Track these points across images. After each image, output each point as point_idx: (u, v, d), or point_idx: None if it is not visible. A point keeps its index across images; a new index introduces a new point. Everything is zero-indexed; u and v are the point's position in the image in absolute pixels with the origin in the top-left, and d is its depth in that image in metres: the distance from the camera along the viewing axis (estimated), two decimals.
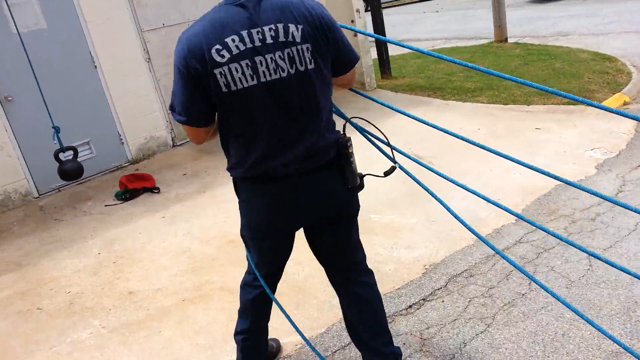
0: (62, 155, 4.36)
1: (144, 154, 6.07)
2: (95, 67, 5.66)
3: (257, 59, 1.67)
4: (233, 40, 1.65)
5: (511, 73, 7.63)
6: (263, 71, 1.68)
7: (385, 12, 25.10)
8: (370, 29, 7.85)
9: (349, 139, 1.98)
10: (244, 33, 1.66)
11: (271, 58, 1.67)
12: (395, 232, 3.70)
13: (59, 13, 5.40)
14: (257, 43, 1.66)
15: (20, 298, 3.54)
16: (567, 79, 6.85)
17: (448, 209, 2.27)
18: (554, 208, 3.69)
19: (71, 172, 4.42)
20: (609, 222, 3.37)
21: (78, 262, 3.95)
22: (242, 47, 1.65)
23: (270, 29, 1.67)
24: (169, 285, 3.41)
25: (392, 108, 2.51)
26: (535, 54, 8.91)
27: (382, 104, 2.51)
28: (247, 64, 1.66)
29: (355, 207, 2.15)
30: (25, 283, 3.76)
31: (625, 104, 5.78)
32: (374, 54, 8.70)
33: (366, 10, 7.91)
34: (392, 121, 6.01)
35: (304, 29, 1.70)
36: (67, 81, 5.49)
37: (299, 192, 1.88)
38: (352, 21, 7.31)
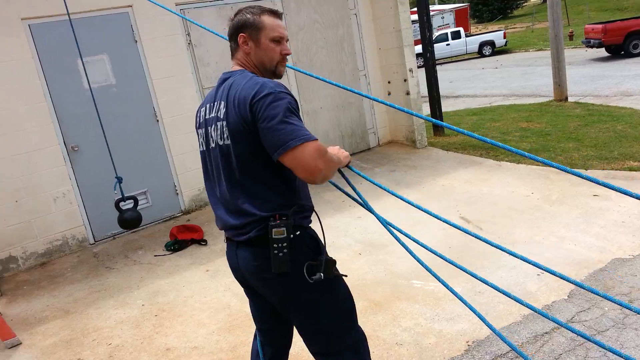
0: (122, 205, 4.56)
1: (196, 205, 6.26)
2: (157, 121, 5.99)
3: (207, 128, 1.95)
4: (204, 109, 1.98)
5: (569, 134, 7.43)
6: (207, 140, 1.96)
7: (444, 67, 25.51)
8: (423, 86, 7.90)
9: (283, 224, 1.83)
10: (208, 105, 1.97)
11: (212, 129, 1.92)
12: (438, 302, 3.56)
13: (127, 70, 5.80)
14: (208, 115, 1.95)
15: (64, 347, 3.65)
16: (630, 142, 6.56)
17: (486, 282, 2.16)
18: (610, 285, 3.45)
19: (130, 221, 4.59)
20: None
21: (122, 312, 4.05)
22: (204, 117, 1.98)
23: (215, 104, 1.92)
24: (205, 344, 3.42)
25: (385, 189, 2.43)
26: (596, 114, 8.62)
27: (372, 182, 2.45)
28: (202, 132, 1.98)
29: (289, 293, 1.93)
30: (71, 331, 3.88)
31: None
32: (426, 109, 8.72)
33: (419, 67, 7.99)
34: (442, 181, 5.96)
35: (226, 107, 1.84)
36: (130, 134, 5.82)
37: (231, 257, 2.03)
38: (405, 80, 7.40)
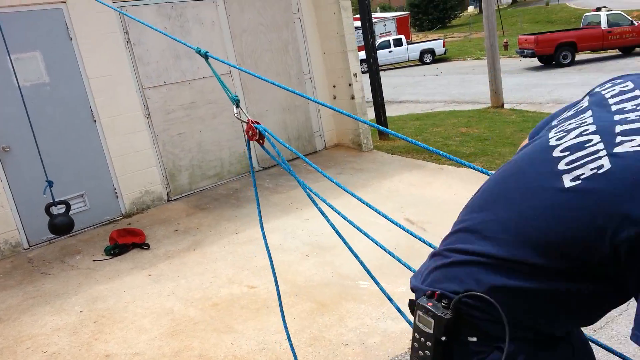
0: (53, 209, 4.35)
1: (138, 208, 6.06)
2: (95, 121, 5.75)
3: (565, 153, 1.05)
4: (571, 125, 1.10)
5: (505, 139, 7.78)
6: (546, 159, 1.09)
7: (387, 73, 25.93)
8: (367, 91, 8.03)
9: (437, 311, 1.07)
10: (579, 122, 1.11)
11: (577, 162, 1.01)
12: (383, 302, 3.62)
13: (62, 69, 5.54)
14: (573, 136, 1.06)
15: None
16: None
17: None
18: None
19: (61, 226, 4.40)
20: None
21: (59, 319, 3.85)
22: (564, 133, 1.10)
23: (597, 128, 1.05)
24: (147, 350, 3.31)
25: (344, 189, 2.48)
26: (531, 121, 9.07)
27: (333, 181, 2.48)
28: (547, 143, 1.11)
29: None
30: (3, 340, 3.66)
31: None
32: (371, 113, 8.88)
33: (364, 73, 8.12)
34: (387, 184, 6.07)
35: (616, 161, 0.93)
36: (66, 134, 5.56)
37: None
38: (350, 84, 7.50)
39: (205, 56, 2.26)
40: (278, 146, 2.21)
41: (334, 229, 2.35)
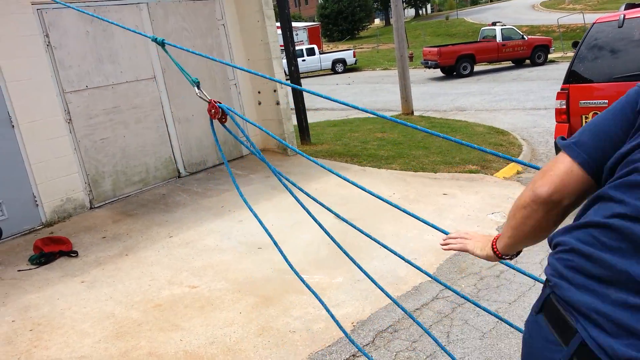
0: None
1: (60, 217, 5.83)
2: (13, 127, 5.49)
3: None
4: None
5: (418, 143, 8.37)
6: None
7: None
8: (290, 99, 8.29)
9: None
10: None
11: None
12: (323, 292, 3.87)
13: None
14: None
15: None
16: (467, 149, 7.62)
17: (362, 270, 2.46)
18: (464, 267, 4.08)
19: None
20: (512, 278, 3.79)
21: None
22: None
23: None
24: (94, 353, 3.29)
25: (330, 170, 2.71)
26: (438, 126, 9.81)
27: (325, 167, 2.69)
28: None
29: None
30: None
31: (518, 173, 6.54)
32: (294, 119, 9.14)
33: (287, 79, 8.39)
34: (315, 185, 6.34)
35: None
36: None
37: None
38: (275, 90, 7.72)
39: (162, 44, 2.33)
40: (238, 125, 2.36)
41: (265, 230, 2.51)
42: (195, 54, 2.35)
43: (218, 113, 2.16)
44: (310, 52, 27.66)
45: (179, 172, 7.14)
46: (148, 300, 3.92)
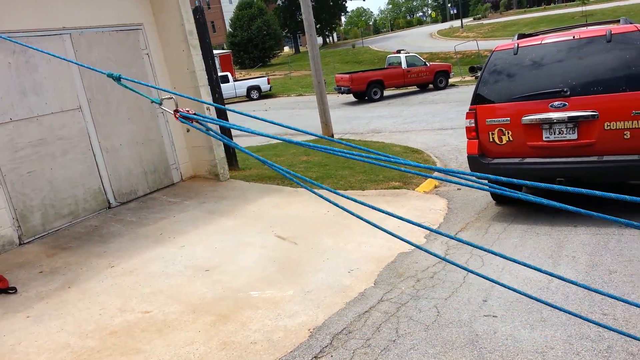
0: None
1: None
2: None
3: None
4: None
5: (342, 164, 8.85)
6: None
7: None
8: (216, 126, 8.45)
9: None
10: None
11: None
12: (277, 305, 4.10)
13: None
14: None
15: None
16: (388, 168, 8.21)
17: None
18: (402, 272, 4.50)
19: None
20: (444, 278, 4.26)
21: None
22: None
23: None
24: None
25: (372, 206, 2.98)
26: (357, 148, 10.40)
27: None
28: None
29: None
30: None
31: (436, 187, 7.19)
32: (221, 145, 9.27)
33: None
34: (252, 207, 6.57)
35: None
36: None
37: None
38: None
39: (119, 79, 2.51)
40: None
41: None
42: (151, 87, 2.56)
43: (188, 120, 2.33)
44: (224, 79, 27.76)
45: (109, 202, 7.04)
46: (102, 329, 3.92)
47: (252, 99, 27.72)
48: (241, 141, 13.58)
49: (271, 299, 4.20)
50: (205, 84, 7.90)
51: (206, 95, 7.89)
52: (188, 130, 8.11)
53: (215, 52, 39.58)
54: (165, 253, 5.36)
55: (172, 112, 2.43)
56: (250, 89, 27.78)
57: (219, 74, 29.17)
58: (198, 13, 8.27)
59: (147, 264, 5.15)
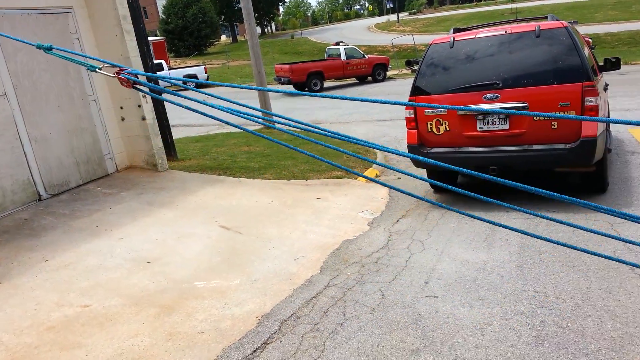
0: None
1: None
2: None
3: None
4: None
5: (285, 154, 8.86)
6: None
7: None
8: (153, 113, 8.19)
9: None
10: None
11: None
12: (223, 294, 4.07)
13: None
14: None
15: None
16: (331, 157, 8.29)
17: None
18: (347, 258, 4.59)
19: None
20: (387, 262, 4.39)
21: None
22: None
23: None
24: None
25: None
26: (301, 139, 10.43)
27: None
28: None
29: None
30: None
31: (377, 175, 7.35)
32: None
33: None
34: (194, 198, 6.45)
35: None
36: None
37: None
38: (139, 105, 7.61)
39: (50, 49, 2.38)
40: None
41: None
42: (83, 56, 2.46)
43: (129, 83, 2.24)
44: (159, 67, 26.90)
45: (39, 194, 6.66)
46: (39, 324, 3.74)
47: (187, 89, 27.02)
48: (178, 132, 13.25)
49: (217, 289, 4.16)
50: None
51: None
52: (123, 119, 7.81)
53: (149, 39, 38.31)
54: (102, 246, 5.16)
55: (115, 75, 2.30)
56: (186, 77, 27.06)
57: (154, 61, 28.26)
58: None
59: (83, 257, 4.94)
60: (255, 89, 2.37)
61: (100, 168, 7.55)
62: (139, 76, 2.36)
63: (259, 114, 2.85)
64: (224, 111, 2.32)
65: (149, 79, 2.45)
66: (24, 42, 2.56)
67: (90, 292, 4.23)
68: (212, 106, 2.34)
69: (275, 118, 2.55)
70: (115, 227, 5.61)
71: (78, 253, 5.04)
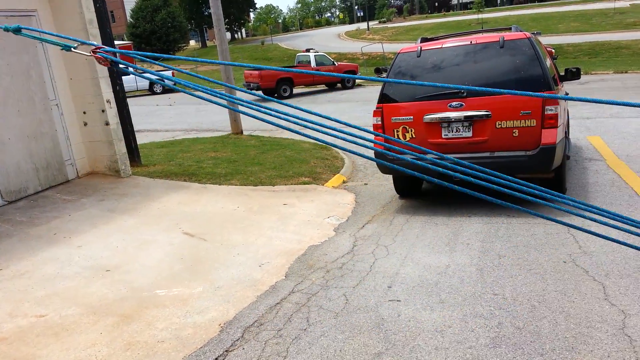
0: None
1: None
2: None
3: None
4: None
5: (252, 160, 8.82)
6: None
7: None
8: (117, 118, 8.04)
9: None
10: None
11: None
12: (185, 302, 4.00)
13: None
14: None
15: None
16: (299, 164, 8.31)
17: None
18: (312, 263, 4.58)
19: None
20: (352, 267, 4.40)
21: None
22: None
23: None
24: None
25: None
26: (268, 144, 10.42)
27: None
28: None
29: None
30: None
31: (344, 182, 7.38)
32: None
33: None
34: (157, 205, 6.34)
35: None
36: None
37: None
38: (103, 110, 7.46)
39: (18, 30, 2.26)
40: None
41: None
42: (57, 35, 2.37)
43: (107, 62, 2.15)
44: (124, 72, 26.45)
45: None
46: None
47: (155, 93, 26.67)
48: (143, 137, 13.03)
49: (179, 297, 4.09)
50: (105, 75, 7.48)
51: (106, 86, 7.47)
52: (85, 124, 7.63)
53: (116, 42, 37.67)
54: (60, 254, 5.01)
55: (91, 54, 2.20)
56: (153, 82, 26.67)
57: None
58: (98, 1, 7.81)
59: (40, 265, 4.79)
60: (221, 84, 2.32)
61: (60, 174, 7.35)
62: (117, 55, 2.28)
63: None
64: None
65: (124, 58, 2.36)
66: None
67: (47, 302, 4.09)
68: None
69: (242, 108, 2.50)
70: (74, 235, 5.46)
71: (34, 261, 4.88)
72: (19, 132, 6.80)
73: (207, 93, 2.23)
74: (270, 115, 2.27)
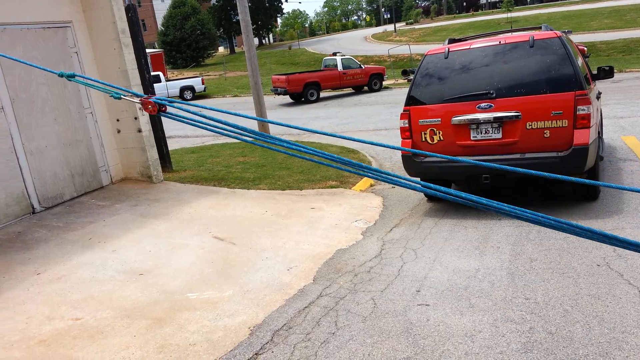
0: None
1: None
2: None
3: None
4: None
5: (280, 164, 8.88)
6: None
7: None
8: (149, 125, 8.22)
9: None
10: None
11: None
12: (216, 305, 4.07)
13: None
14: None
15: None
16: (326, 168, 8.33)
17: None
18: (339, 267, 4.59)
19: None
20: (380, 271, 4.39)
21: None
22: None
23: None
24: None
25: None
26: (295, 149, 10.46)
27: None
28: None
29: None
30: None
31: (371, 185, 7.37)
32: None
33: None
34: (188, 209, 6.45)
35: None
36: None
37: None
38: (136, 118, 7.65)
39: (72, 76, 2.44)
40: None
41: None
42: (106, 84, 2.50)
43: (155, 107, 2.20)
44: (156, 79, 26.99)
45: (33, 207, 6.67)
46: (29, 338, 3.73)
47: (185, 100, 27.10)
48: (174, 143, 13.28)
49: (210, 300, 4.16)
50: (137, 84, 7.67)
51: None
52: (119, 131, 7.84)
53: (147, 50, 38.52)
54: (95, 258, 5.16)
55: (140, 102, 2.27)
56: (183, 89, 27.18)
57: (152, 73, 28.38)
58: (130, 11, 8.02)
59: (75, 269, 4.94)
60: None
61: (95, 180, 7.56)
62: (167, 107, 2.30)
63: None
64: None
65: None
66: (48, 70, 2.59)
67: (82, 305, 4.22)
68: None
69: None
70: (109, 239, 5.61)
71: (70, 266, 5.04)
72: (55, 140, 7.03)
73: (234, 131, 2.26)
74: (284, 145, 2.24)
